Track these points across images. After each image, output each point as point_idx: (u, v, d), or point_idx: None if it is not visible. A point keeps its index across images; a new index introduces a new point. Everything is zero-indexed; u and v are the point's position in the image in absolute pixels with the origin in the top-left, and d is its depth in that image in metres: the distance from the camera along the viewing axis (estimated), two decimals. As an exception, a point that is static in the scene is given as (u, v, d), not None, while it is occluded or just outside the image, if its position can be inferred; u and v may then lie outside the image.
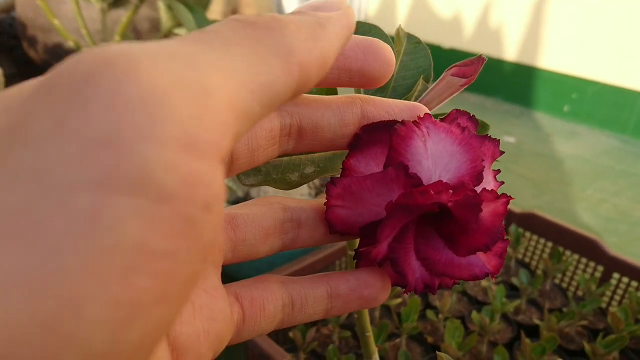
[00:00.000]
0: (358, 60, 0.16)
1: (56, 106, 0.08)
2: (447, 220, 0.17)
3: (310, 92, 0.22)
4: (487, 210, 0.16)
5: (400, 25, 0.24)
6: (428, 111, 0.18)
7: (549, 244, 0.82)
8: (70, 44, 0.80)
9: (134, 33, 1.97)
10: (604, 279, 0.76)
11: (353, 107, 0.17)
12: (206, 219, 0.09)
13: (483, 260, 0.17)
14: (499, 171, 0.18)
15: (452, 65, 0.21)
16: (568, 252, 0.80)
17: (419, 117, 0.17)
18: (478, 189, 0.17)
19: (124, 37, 0.79)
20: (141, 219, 0.08)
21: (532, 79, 2.34)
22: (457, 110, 0.18)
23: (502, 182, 0.19)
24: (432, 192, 0.15)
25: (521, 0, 2.27)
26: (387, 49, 0.16)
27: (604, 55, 2.10)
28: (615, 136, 2.08)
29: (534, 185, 1.60)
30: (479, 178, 0.16)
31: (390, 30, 0.21)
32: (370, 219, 0.17)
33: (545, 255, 0.82)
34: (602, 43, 2.09)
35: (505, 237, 0.17)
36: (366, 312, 0.30)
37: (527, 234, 0.84)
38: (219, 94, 0.09)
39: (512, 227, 0.84)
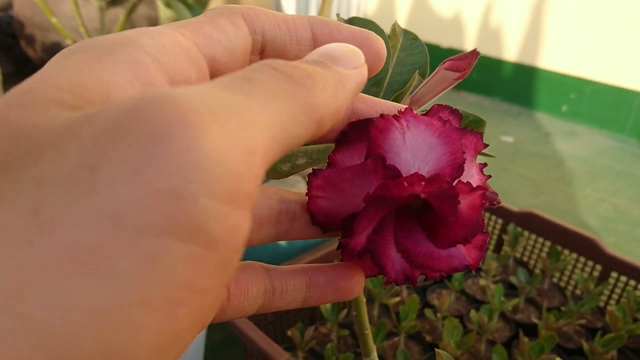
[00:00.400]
0: None
1: (132, 155, 0.09)
2: (427, 213, 0.17)
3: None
4: (465, 202, 0.16)
5: (396, 21, 0.24)
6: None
7: (548, 243, 0.82)
8: (68, 42, 0.80)
9: (133, 32, 1.97)
10: (602, 278, 0.76)
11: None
12: (235, 259, 0.11)
13: (463, 252, 0.17)
14: (485, 165, 0.18)
15: (446, 60, 0.21)
16: (566, 251, 0.80)
17: (399, 111, 0.17)
18: (461, 181, 0.17)
19: (123, 35, 0.79)
20: (192, 262, 0.09)
21: (530, 79, 2.34)
22: (440, 105, 0.18)
23: (489, 176, 0.18)
24: (405, 184, 0.15)
25: (520, 1, 2.27)
26: (380, 42, 0.17)
27: (603, 55, 2.10)
28: (613, 136, 2.08)
29: (533, 184, 1.60)
30: (459, 170, 0.16)
31: (388, 29, 0.21)
32: (351, 210, 0.17)
33: (543, 255, 0.82)
34: (601, 43, 2.09)
35: (485, 230, 0.17)
36: (364, 310, 0.30)
37: (526, 233, 0.84)
38: (259, 151, 0.11)
39: (511, 227, 0.84)
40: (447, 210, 0.15)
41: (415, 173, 0.16)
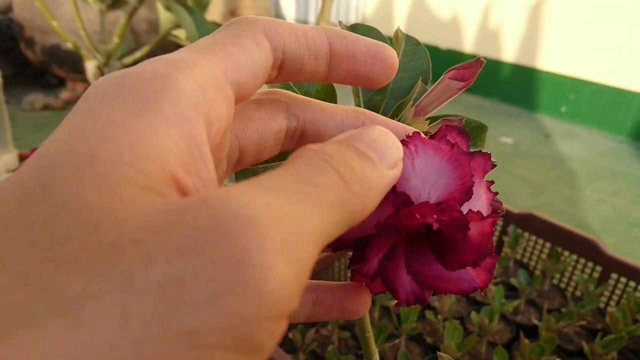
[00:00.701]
0: (367, 66, 0.17)
1: (217, 277, 0.10)
2: (437, 237, 0.17)
3: (310, 95, 0.22)
4: (475, 229, 0.16)
5: (399, 27, 0.25)
6: (418, 130, 0.18)
7: (548, 245, 0.83)
8: (69, 45, 0.80)
9: (133, 34, 1.97)
10: (602, 279, 0.76)
11: (355, 122, 0.19)
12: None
13: (472, 274, 0.17)
14: (492, 182, 0.18)
15: (450, 68, 0.21)
16: (566, 253, 0.80)
17: (407, 136, 0.17)
18: (469, 204, 0.17)
19: (122, 38, 0.79)
20: None
21: (529, 80, 2.35)
22: (447, 126, 0.18)
23: (496, 193, 0.19)
24: (417, 215, 0.16)
25: (519, 2, 2.28)
26: (393, 55, 0.18)
27: (602, 56, 2.11)
28: (612, 137, 2.09)
29: (532, 185, 1.60)
30: (468, 194, 0.17)
31: (387, 30, 0.21)
32: (362, 233, 0.17)
33: (543, 256, 0.82)
34: (600, 44, 2.10)
35: (494, 253, 0.18)
36: (366, 313, 0.30)
37: (526, 235, 0.84)
38: (310, 265, 0.12)
39: (511, 228, 0.84)
40: (458, 237, 0.16)
41: (427, 202, 0.16)
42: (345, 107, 0.19)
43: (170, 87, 0.13)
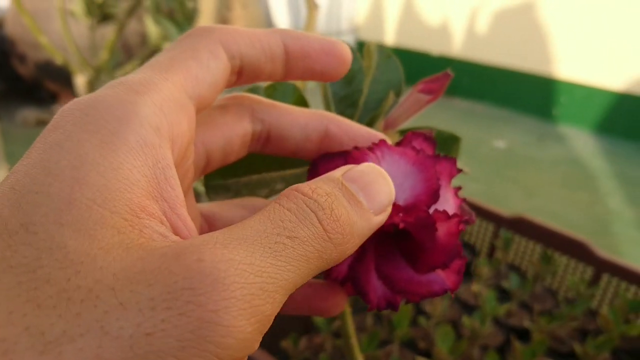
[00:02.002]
0: (321, 62, 0.18)
1: (183, 334, 0.11)
2: (406, 240, 0.17)
3: (276, 97, 0.23)
4: (442, 229, 0.16)
5: (371, 42, 0.25)
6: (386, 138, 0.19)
7: (539, 247, 0.83)
8: (58, 60, 0.81)
9: (125, 48, 1.98)
10: (594, 281, 0.77)
11: (318, 126, 0.19)
12: None
13: (442, 277, 0.18)
14: (459, 188, 0.19)
15: (419, 82, 0.22)
16: (558, 255, 0.81)
17: (373, 143, 0.18)
18: (436, 207, 0.17)
19: (112, 52, 0.80)
20: None
21: (521, 84, 2.37)
22: (412, 133, 0.18)
23: (464, 199, 0.19)
24: None
25: (509, 7, 2.30)
26: (346, 50, 0.18)
27: (592, 58, 2.13)
28: (604, 138, 2.10)
29: (526, 188, 1.61)
30: (435, 196, 0.17)
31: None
32: None
33: (535, 259, 0.83)
34: (590, 46, 2.12)
35: (462, 255, 0.18)
36: (349, 318, 0.30)
37: (517, 238, 0.85)
38: (265, 310, 0.12)
39: (502, 231, 0.84)
40: (425, 237, 0.16)
41: (393, 204, 0.17)
42: (310, 110, 0.20)
43: (132, 114, 0.14)
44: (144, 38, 1.99)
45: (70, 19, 0.84)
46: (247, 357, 0.12)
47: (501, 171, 1.73)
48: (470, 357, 0.66)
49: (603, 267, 0.76)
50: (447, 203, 0.18)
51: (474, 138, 2.03)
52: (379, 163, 0.17)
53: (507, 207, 0.91)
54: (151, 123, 0.14)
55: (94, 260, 0.12)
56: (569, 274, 0.80)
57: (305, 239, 0.14)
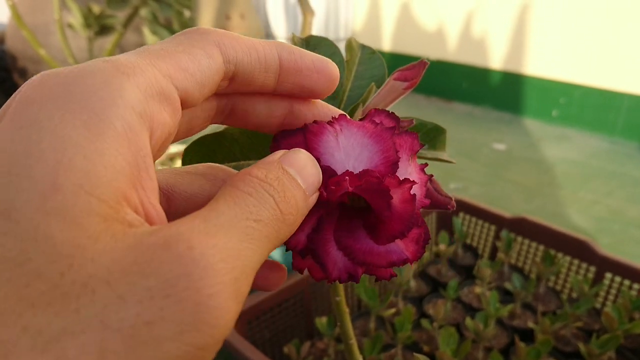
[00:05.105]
0: (312, 79, 0.18)
1: (181, 319, 0.12)
2: (367, 212, 0.18)
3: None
4: (397, 196, 0.16)
5: (352, 37, 0.25)
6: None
7: (541, 247, 0.83)
8: (57, 73, 0.81)
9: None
10: (597, 280, 0.76)
11: (282, 102, 0.19)
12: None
13: (402, 247, 0.18)
14: (426, 165, 0.19)
15: (395, 70, 0.22)
16: (560, 255, 0.80)
17: (333, 117, 0.18)
18: (389, 176, 0.17)
19: (110, 63, 0.80)
20: None
21: (519, 86, 2.37)
22: (376, 110, 0.19)
23: (431, 175, 0.19)
24: (333, 186, 0.16)
25: (504, 9, 2.31)
26: (335, 70, 0.19)
27: (589, 58, 2.13)
28: (604, 138, 2.10)
29: (526, 190, 1.61)
30: (393, 168, 0.17)
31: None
32: None
33: (537, 259, 0.83)
34: (587, 47, 2.12)
35: (421, 224, 0.18)
36: (348, 321, 0.30)
37: (519, 239, 0.85)
38: (245, 291, 0.14)
39: (504, 233, 0.84)
40: (380, 205, 0.16)
41: (346, 171, 0.17)
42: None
43: (117, 97, 0.13)
44: (142, 49, 2.00)
45: (68, 32, 0.85)
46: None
47: (501, 173, 1.73)
48: (474, 359, 0.65)
49: (606, 266, 0.76)
50: (410, 177, 0.18)
51: (474, 141, 2.04)
52: (337, 135, 0.18)
53: (507, 209, 0.91)
54: (135, 109, 0.13)
55: (84, 252, 0.12)
56: (572, 273, 0.80)
57: (268, 220, 0.15)
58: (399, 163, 0.17)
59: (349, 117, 0.18)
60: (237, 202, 0.14)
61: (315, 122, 0.18)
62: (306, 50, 0.18)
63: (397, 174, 0.17)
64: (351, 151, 0.17)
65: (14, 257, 0.11)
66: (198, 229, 0.13)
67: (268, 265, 0.20)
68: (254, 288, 0.19)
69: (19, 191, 0.12)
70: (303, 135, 0.18)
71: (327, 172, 0.17)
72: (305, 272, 0.19)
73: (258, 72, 0.17)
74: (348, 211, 0.18)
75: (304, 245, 0.18)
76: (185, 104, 0.16)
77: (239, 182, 0.15)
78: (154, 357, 0.11)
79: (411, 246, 0.18)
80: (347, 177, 0.16)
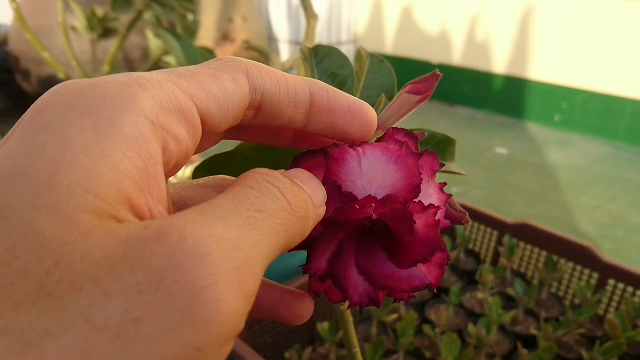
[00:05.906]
0: (346, 121, 0.18)
1: (172, 315, 0.11)
2: (388, 236, 0.17)
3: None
4: (420, 222, 0.16)
5: (361, 46, 0.25)
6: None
7: (544, 253, 0.82)
8: (61, 76, 0.81)
9: (126, 61, 2.00)
10: (600, 286, 0.76)
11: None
12: None
13: (424, 271, 0.17)
14: (445, 184, 0.19)
15: (408, 83, 0.22)
16: (563, 261, 0.80)
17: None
18: (414, 201, 0.17)
19: (114, 66, 0.81)
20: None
21: (522, 91, 2.37)
22: (394, 129, 0.18)
23: (450, 195, 0.19)
24: (357, 207, 0.16)
25: (508, 14, 2.31)
26: (373, 114, 0.18)
27: (592, 63, 2.13)
28: (607, 143, 2.09)
29: (529, 195, 1.60)
30: (416, 191, 0.17)
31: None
32: (313, 236, 0.17)
33: (540, 265, 0.82)
34: (590, 52, 2.12)
35: (444, 248, 0.17)
36: (352, 328, 0.30)
37: (522, 244, 0.84)
38: (250, 284, 0.13)
39: (506, 238, 0.84)
40: (403, 230, 0.16)
41: (369, 196, 0.17)
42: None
43: (130, 104, 0.13)
44: (145, 52, 2.01)
45: (72, 35, 0.85)
46: (234, 339, 0.12)
47: (504, 178, 1.72)
48: (477, 365, 0.65)
49: (609, 273, 0.75)
50: (431, 198, 0.18)
51: (476, 145, 2.03)
52: (360, 160, 0.17)
53: (510, 214, 0.90)
54: (148, 116, 0.13)
55: (74, 249, 0.11)
56: (575, 279, 0.79)
57: (273, 211, 0.14)
58: (421, 185, 0.17)
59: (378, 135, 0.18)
60: (237, 195, 0.14)
61: (335, 144, 0.18)
62: (342, 92, 0.18)
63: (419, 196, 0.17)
64: (374, 177, 0.17)
65: (1, 255, 0.11)
66: (193, 220, 0.12)
67: (290, 293, 0.19)
68: (278, 320, 0.19)
69: (14, 189, 0.11)
70: (324, 158, 0.17)
71: (349, 197, 0.17)
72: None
73: (286, 106, 0.17)
74: (367, 233, 0.18)
75: (324, 271, 0.17)
76: (207, 126, 0.15)
77: (240, 179, 0.15)
78: (144, 358, 0.10)
79: (434, 271, 0.17)
80: (372, 204, 0.16)
